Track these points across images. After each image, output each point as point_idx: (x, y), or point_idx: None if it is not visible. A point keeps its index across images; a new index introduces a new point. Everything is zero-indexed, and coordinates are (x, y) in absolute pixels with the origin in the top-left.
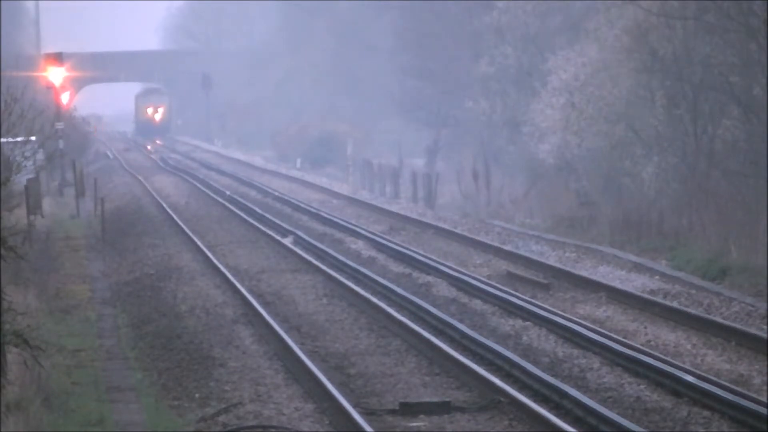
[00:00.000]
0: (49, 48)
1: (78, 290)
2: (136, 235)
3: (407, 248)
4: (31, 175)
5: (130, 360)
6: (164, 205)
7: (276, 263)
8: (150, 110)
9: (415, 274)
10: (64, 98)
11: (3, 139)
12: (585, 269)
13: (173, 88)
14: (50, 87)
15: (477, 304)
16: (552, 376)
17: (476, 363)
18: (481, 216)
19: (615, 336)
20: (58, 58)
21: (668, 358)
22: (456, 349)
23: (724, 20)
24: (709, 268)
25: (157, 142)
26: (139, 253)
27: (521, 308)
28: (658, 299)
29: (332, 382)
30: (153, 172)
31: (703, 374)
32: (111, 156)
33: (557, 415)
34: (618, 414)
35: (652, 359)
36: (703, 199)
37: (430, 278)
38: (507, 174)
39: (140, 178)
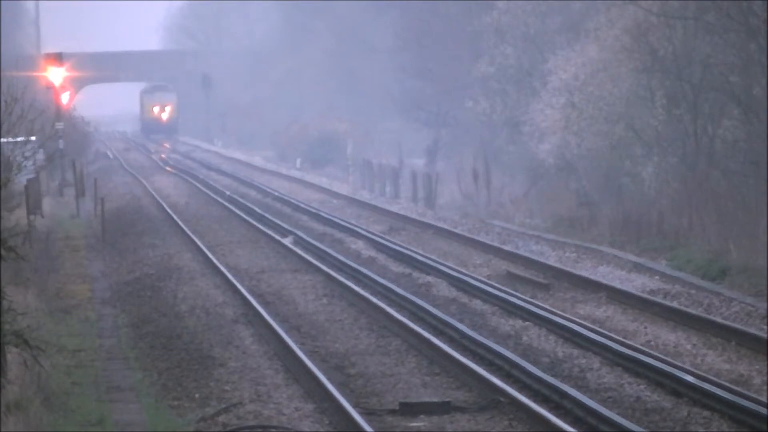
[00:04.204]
0: (49, 48)
1: (78, 290)
2: (136, 235)
3: (407, 248)
4: (31, 175)
5: (130, 360)
6: (164, 205)
7: (276, 263)
8: (156, 109)
9: (415, 274)
10: (64, 98)
11: (3, 139)
12: (585, 269)
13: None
14: (50, 87)
15: (477, 304)
16: (552, 376)
17: (476, 363)
18: (481, 216)
19: (615, 336)
20: (58, 58)
21: (668, 358)
22: (456, 349)
23: (724, 20)
24: (709, 268)
25: (165, 144)
26: (139, 253)
27: (521, 308)
28: (658, 299)
29: (332, 382)
30: (153, 172)
31: (703, 374)
32: (111, 156)
33: (557, 415)
34: (618, 414)
35: (652, 359)
36: (703, 199)
37: (430, 278)
38: (507, 174)
39: (140, 178)
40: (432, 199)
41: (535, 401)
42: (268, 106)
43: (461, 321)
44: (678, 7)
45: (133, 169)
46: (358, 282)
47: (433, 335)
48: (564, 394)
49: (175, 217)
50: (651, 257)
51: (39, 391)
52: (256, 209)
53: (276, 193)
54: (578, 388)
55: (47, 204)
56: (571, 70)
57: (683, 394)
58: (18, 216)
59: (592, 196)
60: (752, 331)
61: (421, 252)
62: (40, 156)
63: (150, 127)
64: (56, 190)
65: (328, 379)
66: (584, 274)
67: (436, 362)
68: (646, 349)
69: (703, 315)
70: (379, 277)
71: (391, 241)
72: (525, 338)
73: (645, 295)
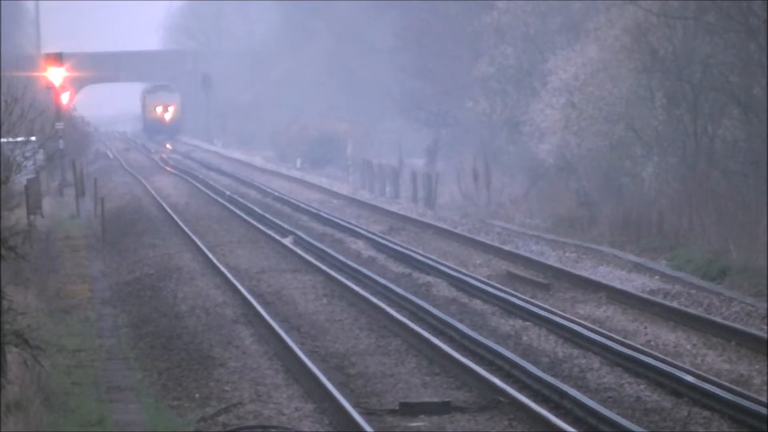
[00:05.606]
0: (49, 48)
1: (78, 290)
2: (136, 235)
3: (407, 248)
4: (31, 175)
5: (130, 360)
6: (164, 205)
7: (276, 263)
8: (159, 109)
9: (415, 274)
10: (64, 98)
11: (3, 139)
12: (585, 269)
13: None
14: (50, 87)
15: (477, 304)
16: (552, 376)
17: (476, 363)
18: (481, 216)
19: (615, 336)
20: (58, 58)
21: (668, 358)
22: (456, 349)
23: (724, 20)
24: (709, 268)
25: (167, 146)
26: (139, 253)
27: (521, 308)
28: (658, 299)
29: (332, 382)
30: (153, 172)
31: (703, 374)
32: (111, 156)
33: (557, 415)
34: (618, 414)
35: (652, 359)
36: (703, 199)
37: (430, 278)
38: (507, 174)
39: (140, 178)
40: (432, 199)
41: (535, 401)
42: (268, 106)
43: (461, 321)
44: (678, 7)
45: (133, 169)
46: (358, 282)
47: (433, 335)
48: (564, 394)
49: (175, 217)
50: (651, 257)
51: (39, 391)
52: (256, 209)
53: (276, 193)
54: (578, 388)
55: (47, 204)
56: (571, 70)
57: (683, 394)
58: (18, 216)
59: (592, 196)
60: (752, 331)
61: (421, 252)
62: (40, 156)
63: (152, 127)
64: (56, 190)
65: (328, 379)
66: (584, 274)
67: (436, 362)
68: (646, 349)
69: (703, 315)
70: (379, 277)
71: (391, 241)
72: (525, 338)
73: (645, 295)
